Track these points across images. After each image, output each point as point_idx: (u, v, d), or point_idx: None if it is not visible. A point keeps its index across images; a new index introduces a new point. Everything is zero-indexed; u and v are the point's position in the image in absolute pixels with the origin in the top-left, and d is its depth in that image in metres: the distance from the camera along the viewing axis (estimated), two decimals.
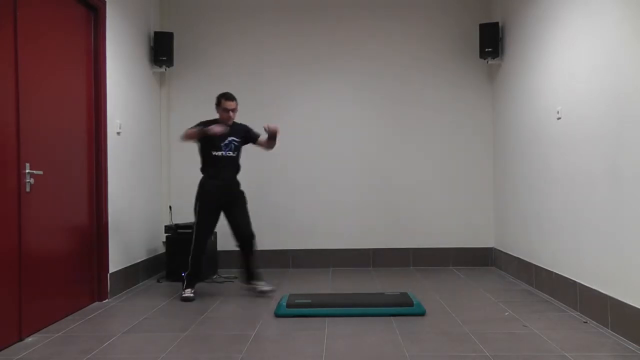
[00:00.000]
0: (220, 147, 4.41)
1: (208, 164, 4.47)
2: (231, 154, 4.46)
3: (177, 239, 5.16)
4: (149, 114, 5.39)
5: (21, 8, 3.39)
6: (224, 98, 4.45)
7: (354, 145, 5.82)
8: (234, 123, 4.52)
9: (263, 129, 4.44)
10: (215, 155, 4.42)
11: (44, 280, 3.59)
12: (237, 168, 4.55)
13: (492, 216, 5.77)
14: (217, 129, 4.27)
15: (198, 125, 4.42)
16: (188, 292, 4.40)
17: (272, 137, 4.46)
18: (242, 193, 4.57)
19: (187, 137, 4.39)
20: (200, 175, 4.54)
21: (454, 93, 5.80)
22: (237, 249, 4.56)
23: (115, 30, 4.61)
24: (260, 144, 4.61)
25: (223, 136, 4.39)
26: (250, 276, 4.56)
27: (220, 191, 4.44)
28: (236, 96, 5.79)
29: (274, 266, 5.74)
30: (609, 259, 3.38)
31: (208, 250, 4.65)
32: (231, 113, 4.45)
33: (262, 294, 4.46)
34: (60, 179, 3.81)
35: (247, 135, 4.57)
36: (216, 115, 4.49)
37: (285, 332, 3.45)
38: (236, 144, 4.49)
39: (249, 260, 4.54)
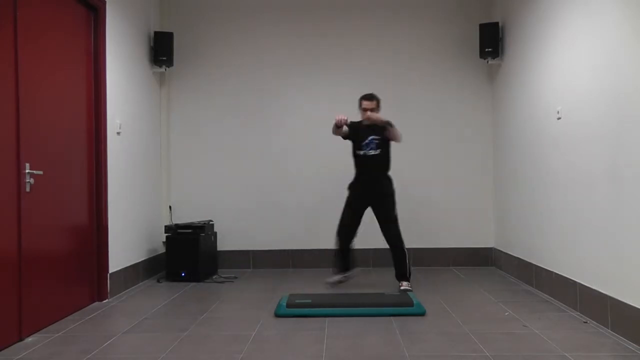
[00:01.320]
0: (362, 146, 4.58)
1: (355, 163, 4.68)
2: (373, 152, 4.57)
3: (177, 239, 5.16)
4: (149, 114, 5.39)
5: (21, 8, 3.39)
6: (362, 98, 4.64)
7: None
8: (375, 123, 4.57)
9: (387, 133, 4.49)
10: (358, 154, 4.62)
11: (44, 280, 3.59)
12: (382, 166, 4.63)
13: (492, 216, 5.77)
14: (339, 120, 4.42)
15: (348, 126, 4.58)
16: (337, 277, 4.68)
17: (387, 130, 4.46)
18: (386, 194, 4.60)
19: (336, 133, 4.57)
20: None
21: (454, 93, 5.80)
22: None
23: (115, 30, 4.61)
24: (389, 137, 4.58)
25: (364, 136, 4.56)
26: (396, 275, 4.64)
27: (362, 189, 4.62)
28: (234, 96, 5.84)
29: (274, 266, 5.75)
30: (609, 259, 3.38)
31: (351, 244, 4.74)
32: (369, 113, 4.54)
33: (404, 292, 4.47)
34: (60, 179, 3.82)
35: (384, 132, 4.56)
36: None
37: (285, 332, 3.45)
38: (377, 141, 4.57)
39: (394, 259, 4.64)
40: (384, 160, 4.64)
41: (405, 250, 4.64)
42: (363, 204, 4.66)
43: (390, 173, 4.72)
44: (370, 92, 4.67)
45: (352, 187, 4.70)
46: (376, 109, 4.61)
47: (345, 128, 4.54)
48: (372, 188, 4.63)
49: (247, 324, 3.64)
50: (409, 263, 4.64)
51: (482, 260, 5.76)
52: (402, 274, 4.63)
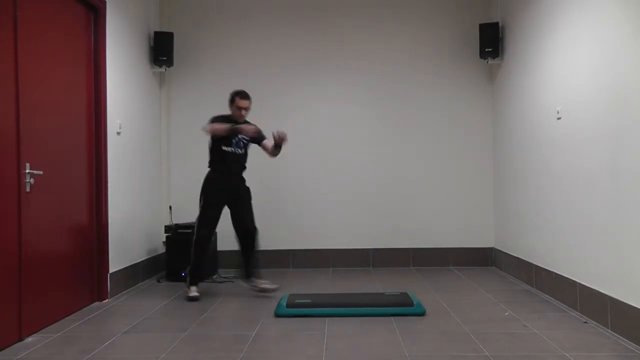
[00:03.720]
0: (231, 143, 4.47)
1: (217, 159, 4.51)
2: (239, 151, 4.52)
3: (177, 239, 5.16)
4: (149, 114, 5.39)
5: (21, 8, 3.39)
6: (239, 96, 4.51)
7: (353, 145, 5.82)
8: (245, 122, 4.56)
9: (271, 134, 4.42)
10: (225, 150, 4.47)
11: (44, 281, 3.59)
12: (243, 166, 4.60)
13: (492, 216, 5.77)
14: (249, 130, 4.37)
15: (215, 120, 4.46)
16: (193, 291, 4.40)
17: (277, 145, 4.47)
18: (247, 189, 4.62)
19: (214, 131, 4.40)
20: (206, 171, 4.56)
21: (454, 93, 5.80)
22: (238, 246, 4.58)
23: (115, 30, 4.61)
24: (265, 148, 4.61)
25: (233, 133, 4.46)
26: (249, 273, 4.56)
27: (225, 186, 4.50)
28: None
29: (274, 266, 5.75)
30: (609, 259, 3.38)
31: (210, 248, 4.65)
32: (243, 112, 4.51)
33: (263, 291, 4.46)
34: (60, 179, 3.81)
35: (255, 136, 4.58)
36: (228, 111, 4.53)
37: (285, 332, 3.45)
38: (245, 142, 4.54)
39: (250, 256, 4.56)
40: (245, 161, 4.60)
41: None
42: (223, 203, 4.52)
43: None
44: (244, 89, 4.55)
45: (210, 185, 4.49)
46: (249, 108, 4.55)
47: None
48: (234, 186, 4.54)
49: (247, 324, 3.64)
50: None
51: (482, 260, 5.76)
52: (258, 271, 4.56)
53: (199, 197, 4.52)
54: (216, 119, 4.48)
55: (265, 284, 4.52)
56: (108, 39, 4.45)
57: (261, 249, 5.75)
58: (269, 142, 4.56)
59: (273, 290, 4.47)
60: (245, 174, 4.63)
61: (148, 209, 5.32)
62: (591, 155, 3.58)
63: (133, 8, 5.05)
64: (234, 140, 4.47)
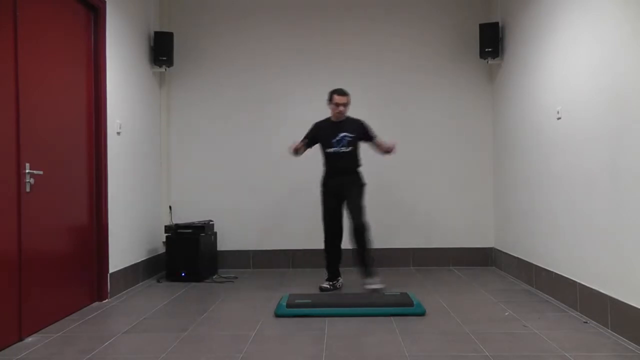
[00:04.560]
0: (332, 143, 4.56)
1: (324, 161, 4.67)
2: (345, 149, 4.55)
3: (177, 239, 5.16)
4: (149, 114, 5.39)
5: (21, 8, 3.39)
6: (335, 93, 4.58)
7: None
8: (348, 118, 4.63)
9: (387, 145, 4.58)
10: (328, 152, 4.60)
11: (44, 280, 3.59)
12: (351, 163, 4.61)
13: (492, 216, 5.77)
14: (292, 148, 4.60)
15: (314, 126, 4.69)
16: (325, 284, 4.65)
17: (386, 152, 4.61)
18: (357, 184, 4.60)
19: (294, 152, 4.62)
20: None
21: (453, 93, 5.80)
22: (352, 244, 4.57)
23: (115, 30, 4.61)
24: (377, 147, 4.67)
25: (334, 133, 4.55)
26: (361, 272, 4.51)
27: (331, 186, 4.62)
28: (235, 96, 5.84)
29: (274, 266, 5.75)
30: (609, 259, 3.38)
31: (340, 245, 4.80)
32: (342, 108, 4.55)
33: (373, 292, 4.38)
34: (60, 179, 3.81)
35: (362, 133, 4.62)
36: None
37: (285, 332, 3.45)
38: (349, 139, 4.56)
39: (360, 254, 4.50)
40: (355, 157, 4.63)
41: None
42: (336, 202, 4.62)
43: (366, 172, 4.73)
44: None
45: (323, 187, 4.70)
46: (348, 105, 4.61)
47: (302, 148, 4.63)
48: (341, 184, 4.59)
49: (247, 324, 3.64)
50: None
51: (482, 260, 5.76)
52: (369, 270, 4.50)
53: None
54: (315, 125, 4.65)
55: (372, 284, 4.40)
56: (108, 39, 4.45)
57: (262, 249, 5.78)
58: (379, 140, 4.63)
59: (381, 289, 4.37)
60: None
61: (148, 209, 5.32)
62: (591, 155, 3.58)
63: (133, 8, 5.05)
64: (334, 140, 4.54)
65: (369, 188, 5.80)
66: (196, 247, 5.12)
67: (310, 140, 4.69)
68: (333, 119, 4.65)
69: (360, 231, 4.46)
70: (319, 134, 4.66)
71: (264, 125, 5.83)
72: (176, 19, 5.82)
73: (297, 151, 4.61)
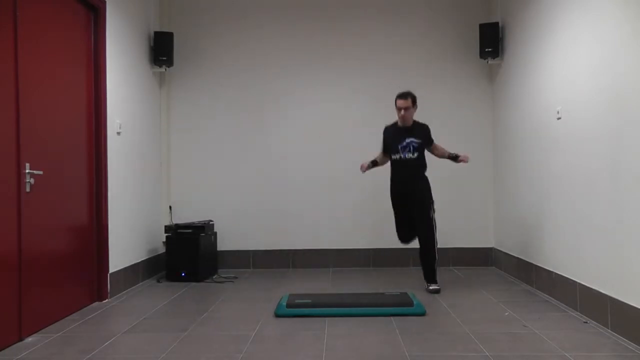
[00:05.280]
0: (398, 149, 4.53)
1: (391, 166, 4.64)
2: (410, 155, 4.50)
3: (177, 239, 5.16)
4: (149, 114, 5.39)
5: (21, 8, 3.39)
6: (397, 97, 4.54)
7: (353, 145, 5.81)
8: (415, 123, 4.58)
9: (460, 156, 4.58)
10: (394, 158, 4.58)
11: (44, 280, 3.59)
12: (417, 169, 4.55)
13: (492, 216, 5.77)
14: (363, 167, 4.67)
15: (384, 131, 4.69)
16: (434, 286, 4.53)
17: (455, 159, 4.58)
18: (423, 194, 4.55)
19: (368, 168, 4.69)
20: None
21: (453, 93, 5.79)
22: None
23: (115, 30, 4.61)
24: (435, 153, 4.64)
25: (400, 138, 4.51)
26: (426, 276, 4.61)
27: (398, 192, 4.61)
28: (235, 96, 5.84)
29: (274, 266, 5.75)
30: (609, 259, 3.38)
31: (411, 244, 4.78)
32: (403, 111, 4.48)
33: (433, 292, 4.49)
34: (60, 179, 3.81)
35: (426, 137, 4.58)
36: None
37: (285, 332, 3.45)
38: (415, 145, 4.51)
39: (423, 260, 4.60)
40: (420, 164, 4.58)
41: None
42: (404, 205, 4.61)
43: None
44: (407, 90, 4.57)
45: (391, 192, 4.71)
46: (412, 107, 4.51)
47: (372, 164, 4.70)
48: (405, 190, 4.58)
49: (247, 324, 3.64)
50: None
51: (482, 260, 5.75)
52: (430, 275, 4.60)
53: None
54: (385, 129, 4.68)
55: (432, 286, 4.54)
56: (108, 39, 4.45)
57: (262, 249, 5.78)
58: (439, 145, 4.64)
59: (437, 291, 4.48)
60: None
61: (148, 209, 5.32)
62: (591, 155, 3.58)
63: (133, 8, 5.05)
64: (400, 146, 4.50)
65: (369, 188, 5.82)
66: (196, 247, 5.12)
67: (384, 148, 4.68)
68: (400, 124, 4.57)
69: (428, 247, 4.55)
70: (387, 141, 4.64)
71: (264, 125, 5.83)
72: (176, 19, 5.82)
73: (374, 165, 4.71)
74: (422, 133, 4.58)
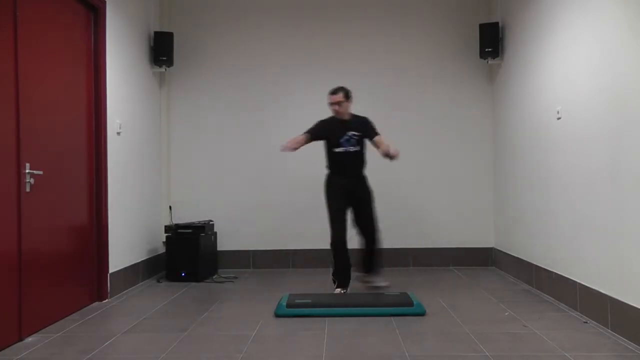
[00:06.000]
0: (340, 143, 4.44)
1: (331, 161, 4.52)
2: (353, 148, 4.45)
3: (177, 239, 5.16)
4: (149, 114, 5.39)
5: (21, 8, 3.39)
6: (329, 93, 4.50)
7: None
8: (354, 116, 4.53)
9: (387, 149, 4.33)
10: (336, 152, 4.45)
11: (44, 280, 3.59)
12: (361, 163, 4.54)
13: (492, 216, 5.77)
14: (291, 142, 4.41)
15: (317, 124, 4.52)
16: (337, 291, 4.41)
17: (388, 157, 4.39)
18: (367, 191, 4.55)
19: (292, 148, 4.42)
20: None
21: (453, 93, 5.80)
22: (360, 244, 4.61)
23: (115, 30, 4.61)
24: (377, 147, 4.47)
25: (341, 132, 4.44)
26: (365, 269, 4.59)
27: (343, 186, 4.48)
28: (235, 96, 5.84)
29: (274, 266, 5.75)
30: (609, 259, 3.38)
31: (347, 248, 4.54)
32: (337, 107, 4.46)
33: (376, 288, 4.50)
34: (60, 179, 3.81)
35: (366, 129, 4.49)
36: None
37: (285, 332, 3.45)
38: (357, 137, 4.46)
39: (370, 255, 4.57)
40: (363, 157, 4.56)
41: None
42: (347, 202, 4.50)
43: (366, 172, 4.70)
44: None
45: (331, 187, 4.52)
46: (345, 101, 4.46)
47: (302, 143, 4.44)
48: (353, 186, 4.51)
49: (247, 324, 3.64)
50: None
51: (482, 260, 5.76)
52: (375, 270, 4.61)
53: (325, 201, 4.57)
54: (322, 122, 4.53)
55: (379, 282, 4.54)
56: (108, 39, 4.45)
57: (262, 249, 5.77)
58: (380, 139, 4.46)
59: (386, 287, 4.48)
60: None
61: (148, 209, 5.32)
62: (591, 155, 3.58)
63: (133, 8, 5.05)
64: (342, 140, 4.42)
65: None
66: (196, 247, 5.12)
67: (313, 136, 4.49)
68: (337, 117, 4.54)
69: (375, 245, 4.55)
70: (325, 132, 4.50)
71: (264, 125, 5.83)
72: (176, 19, 5.82)
73: (295, 147, 4.42)
74: (361, 126, 4.50)
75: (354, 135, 4.45)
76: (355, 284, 4.87)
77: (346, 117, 4.50)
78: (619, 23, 3.27)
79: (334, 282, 4.50)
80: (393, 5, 5.82)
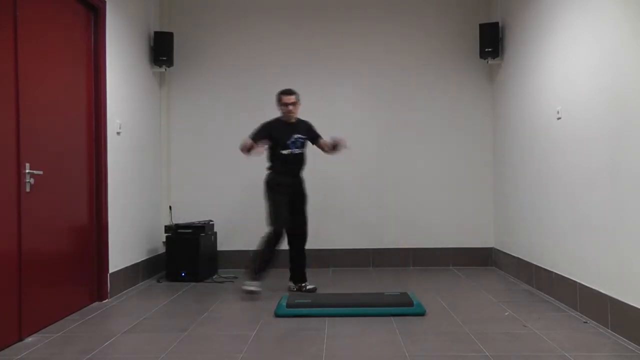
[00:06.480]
0: (288, 145, 4.49)
1: (277, 162, 4.55)
2: (298, 151, 4.54)
3: (177, 239, 5.16)
4: (149, 114, 5.39)
5: (21, 8, 3.39)
6: (282, 93, 4.53)
7: (353, 145, 5.80)
8: (299, 120, 4.61)
9: (330, 138, 4.55)
10: (283, 153, 4.50)
11: (44, 280, 3.59)
12: (303, 164, 4.63)
13: (492, 216, 5.77)
14: (246, 146, 4.36)
15: (263, 127, 4.50)
16: (253, 286, 4.34)
17: (335, 147, 4.54)
18: (304, 193, 4.66)
19: (245, 150, 4.40)
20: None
21: (454, 93, 5.79)
22: (287, 247, 4.63)
23: (115, 30, 4.61)
24: (322, 147, 4.65)
25: (288, 135, 4.49)
26: (297, 278, 4.65)
27: (289, 184, 4.54)
28: (235, 96, 5.84)
29: (274, 266, 5.73)
30: (609, 259, 3.38)
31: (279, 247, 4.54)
32: (291, 107, 4.50)
33: (309, 291, 4.56)
34: (60, 179, 3.81)
35: (310, 133, 4.63)
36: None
37: (285, 332, 3.45)
38: (302, 140, 4.56)
39: (300, 256, 4.63)
40: (304, 159, 4.63)
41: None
42: (289, 199, 4.52)
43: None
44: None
45: (276, 184, 4.50)
46: (297, 103, 4.55)
47: (257, 147, 4.41)
48: (297, 187, 4.59)
49: (247, 324, 3.64)
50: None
51: (482, 260, 5.75)
52: (304, 275, 4.67)
53: (265, 199, 4.58)
54: (268, 124, 4.51)
55: (308, 285, 4.62)
56: (108, 39, 4.45)
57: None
58: (324, 140, 4.62)
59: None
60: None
61: (148, 209, 5.32)
62: (591, 155, 3.58)
63: (133, 8, 5.05)
64: (289, 142, 4.49)
65: (369, 188, 5.83)
66: (196, 247, 5.11)
67: (262, 139, 4.44)
68: (284, 119, 4.56)
69: (304, 244, 4.64)
70: (273, 135, 4.48)
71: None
72: (176, 19, 5.82)
73: (250, 150, 4.40)
74: (306, 129, 4.61)
75: (300, 138, 4.54)
76: (350, 285, 4.87)
77: (293, 120, 4.56)
78: (619, 23, 3.27)
79: (254, 276, 4.39)
80: (393, 5, 5.82)
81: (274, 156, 4.57)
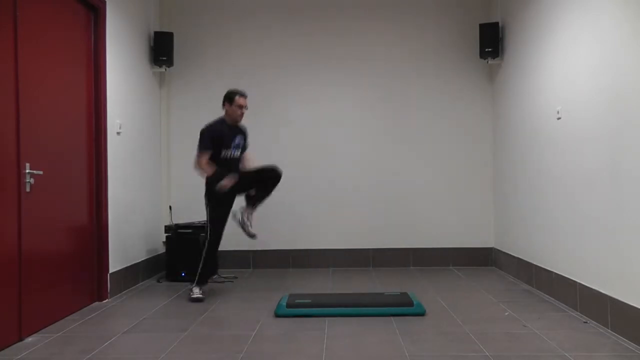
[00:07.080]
0: (230, 146, 4.41)
1: (218, 164, 4.39)
2: (237, 154, 4.49)
3: (177, 239, 5.16)
4: (149, 114, 5.39)
5: (21, 8, 3.39)
6: (239, 95, 4.40)
7: (353, 145, 5.82)
8: (241, 124, 4.56)
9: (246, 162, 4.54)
10: (223, 155, 4.39)
11: (44, 280, 3.59)
12: (238, 168, 4.53)
13: (492, 216, 5.77)
14: (226, 183, 4.23)
15: (208, 132, 4.34)
16: (198, 293, 4.32)
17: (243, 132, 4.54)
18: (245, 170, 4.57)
19: (201, 168, 4.33)
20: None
21: (454, 93, 5.79)
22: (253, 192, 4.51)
23: (115, 30, 4.61)
24: (244, 159, 4.58)
25: (231, 137, 4.40)
26: (249, 203, 4.50)
27: (229, 189, 4.40)
28: None
29: (274, 266, 5.75)
30: (609, 259, 3.38)
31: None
32: (244, 110, 4.46)
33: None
34: (60, 179, 3.81)
35: (245, 140, 4.60)
36: (220, 112, 4.48)
37: (285, 332, 3.45)
38: (242, 144, 4.54)
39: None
40: (239, 162, 4.55)
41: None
42: (231, 202, 4.49)
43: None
44: (243, 89, 4.45)
45: (219, 190, 4.32)
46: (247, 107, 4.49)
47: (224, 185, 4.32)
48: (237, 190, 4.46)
49: (247, 324, 3.64)
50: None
51: (482, 260, 5.75)
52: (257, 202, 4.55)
53: (205, 202, 4.49)
54: (211, 128, 4.36)
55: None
56: (108, 39, 4.45)
57: (262, 249, 5.77)
58: (248, 159, 4.58)
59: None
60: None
61: (148, 209, 5.32)
62: (591, 155, 3.58)
63: (133, 8, 5.05)
64: (232, 145, 4.41)
65: (368, 187, 5.83)
66: (196, 247, 5.10)
67: (212, 145, 4.34)
68: (229, 122, 4.42)
69: (277, 183, 4.48)
70: (218, 137, 4.34)
71: (263, 125, 5.83)
72: (176, 19, 5.82)
73: (208, 166, 4.31)
74: (244, 136, 4.57)
75: (241, 141, 4.51)
76: (350, 285, 4.87)
77: (240, 122, 4.50)
78: (619, 23, 3.27)
79: (200, 284, 4.38)
80: (393, 5, 5.82)
81: (215, 157, 4.36)
